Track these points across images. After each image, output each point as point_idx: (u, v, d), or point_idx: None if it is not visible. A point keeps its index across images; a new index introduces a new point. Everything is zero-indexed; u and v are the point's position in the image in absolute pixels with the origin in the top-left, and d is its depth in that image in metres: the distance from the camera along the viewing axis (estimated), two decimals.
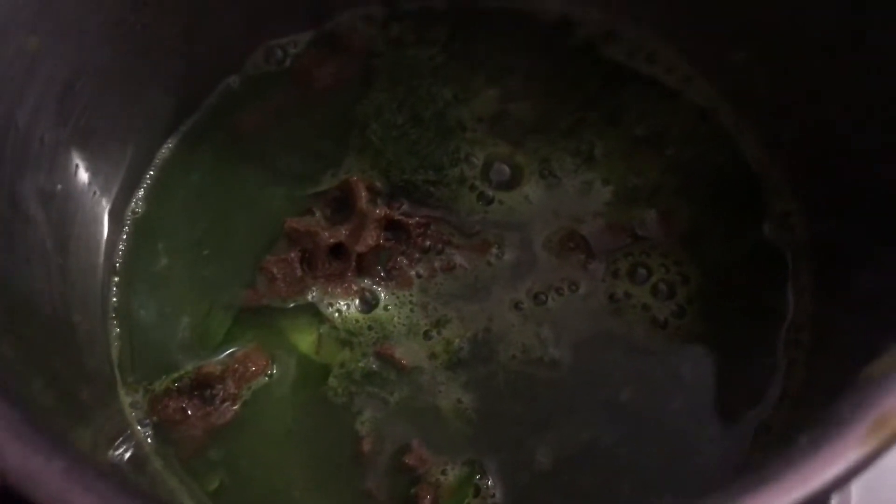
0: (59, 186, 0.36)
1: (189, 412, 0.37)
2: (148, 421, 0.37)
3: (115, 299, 0.40)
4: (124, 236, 0.41)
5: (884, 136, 0.35)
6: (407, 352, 0.38)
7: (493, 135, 0.43)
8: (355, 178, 0.41)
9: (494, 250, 0.40)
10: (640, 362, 0.38)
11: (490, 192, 0.42)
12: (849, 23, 0.36)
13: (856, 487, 0.40)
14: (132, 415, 0.37)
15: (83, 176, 0.38)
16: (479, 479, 0.35)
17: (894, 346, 0.22)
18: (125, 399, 0.38)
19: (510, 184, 0.42)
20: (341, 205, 0.41)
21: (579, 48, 0.46)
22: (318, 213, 0.41)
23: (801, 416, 0.35)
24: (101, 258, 0.39)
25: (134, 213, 0.42)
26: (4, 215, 0.33)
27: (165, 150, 0.44)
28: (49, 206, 0.36)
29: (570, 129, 0.44)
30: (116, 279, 0.40)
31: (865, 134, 0.36)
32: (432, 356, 0.38)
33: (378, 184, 0.41)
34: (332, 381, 0.38)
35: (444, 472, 0.36)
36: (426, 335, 0.38)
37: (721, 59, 0.43)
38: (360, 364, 0.38)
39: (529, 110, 0.44)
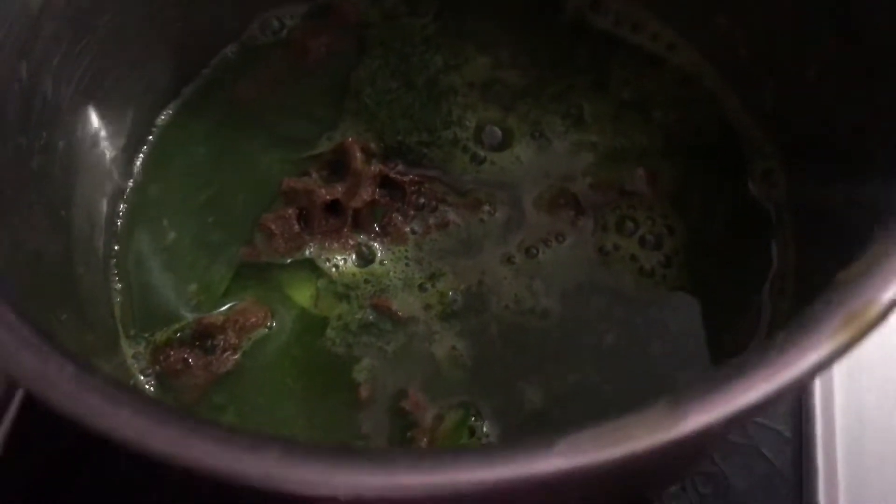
0: (62, 143, 0.37)
1: (191, 361, 0.38)
2: (150, 371, 0.38)
3: (116, 254, 0.40)
4: (126, 194, 0.42)
5: (853, 89, 0.36)
6: (402, 304, 0.39)
7: (485, 100, 0.45)
8: (350, 140, 0.42)
9: (486, 208, 0.41)
10: (627, 309, 0.39)
11: (482, 153, 0.43)
12: None
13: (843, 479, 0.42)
14: (134, 366, 0.38)
15: (86, 135, 0.39)
16: (474, 420, 0.37)
17: (863, 253, 0.23)
18: (127, 350, 0.38)
19: (502, 145, 0.43)
20: (337, 167, 0.42)
21: (567, 20, 0.47)
22: (314, 175, 0.42)
23: None
24: (104, 214, 0.40)
25: (135, 173, 0.43)
26: (10, 167, 0.33)
27: (165, 116, 0.45)
28: (52, 162, 0.37)
29: (560, 94, 0.45)
30: (117, 235, 0.41)
31: (840, 90, 0.38)
32: (427, 307, 0.39)
33: (373, 145, 0.43)
34: (329, 332, 0.39)
35: (439, 416, 0.37)
36: (421, 288, 0.40)
37: (703, 24, 0.44)
38: (357, 316, 0.39)
39: (519, 77, 0.46)
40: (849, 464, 0.42)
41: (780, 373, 0.20)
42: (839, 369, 0.45)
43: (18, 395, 0.44)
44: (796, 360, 0.21)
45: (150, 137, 0.44)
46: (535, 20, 0.47)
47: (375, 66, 0.45)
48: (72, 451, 0.43)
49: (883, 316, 0.21)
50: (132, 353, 0.39)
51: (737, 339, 0.39)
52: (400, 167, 0.42)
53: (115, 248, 0.41)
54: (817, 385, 0.44)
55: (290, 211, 0.40)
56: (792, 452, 0.42)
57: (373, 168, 0.40)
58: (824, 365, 0.21)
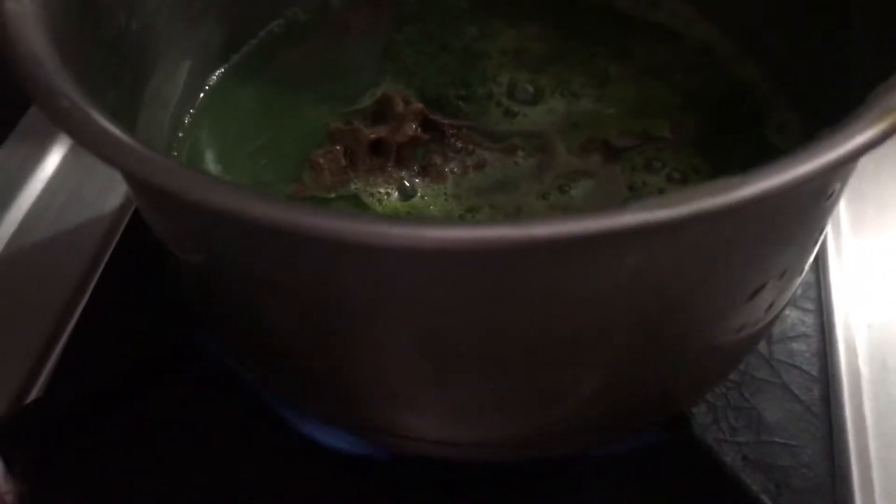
0: (129, 77, 0.40)
1: None
2: None
3: None
4: (178, 138, 0.44)
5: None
6: None
7: (517, 63, 0.48)
8: (393, 92, 0.45)
9: (521, 153, 0.44)
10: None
11: (515, 108, 0.46)
12: None
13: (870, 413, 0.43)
14: None
15: (150, 73, 0.42)
16: None
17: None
18: None
19: (534, 100, 0.46)
20: (379, 117, 0.45)
21: (588, 1, 0.51)
22: (359, 121, 0.45)
23: None
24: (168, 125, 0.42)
25: (187, 124, 0.45)
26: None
27: (216, 77, 0.48)
28: (121, 91, 0.39)
29: (585, 60, 0.48)
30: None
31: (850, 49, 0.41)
32: None
33: (413, 99, 0.45)
34: None
35: None
36: (461, 219, 0.41)
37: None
38: None
39: (547, 47, 0.49)
40: (876, 398, 0.43)
41: (833, 149, 0.22)
42: (860, 320, 0.46)
43: (64, 336, 0.46)
44: (844, 140, 0.23)
45: (203, 96, 0.47)
46: (556, 4, 0.51)
47: (413, 32, 0.48)
48: (111, 391, 0.43)
49: None
50: None
51: None
52: (439, 117, 0.45)
53: None
54: (839, 327, 0.45)
55: (338, 147, 0.43)
56: (819, 390, 0.43)
57: (415, 106, 0.43)
58: (869, 146, 0.23)
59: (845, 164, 0.23)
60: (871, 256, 0.49)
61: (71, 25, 0.33)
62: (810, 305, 0.46)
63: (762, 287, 0.31)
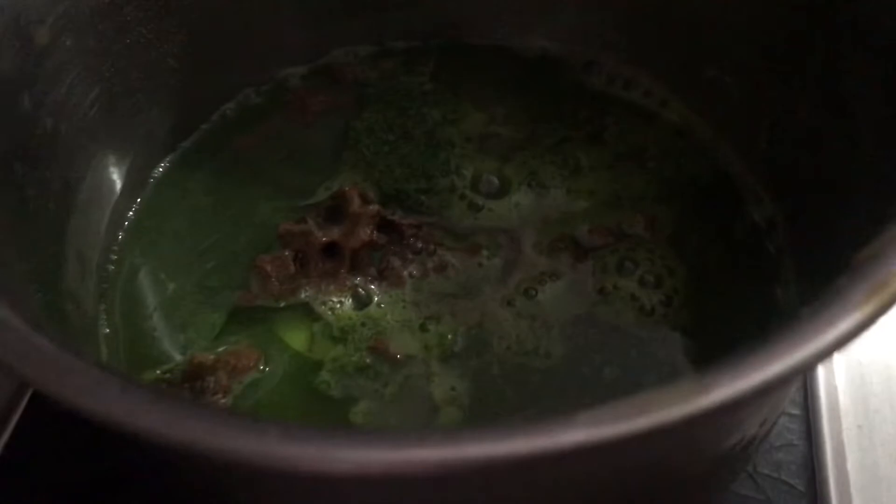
0: (59, 179, 0.37)
1: None
2: None
3: (106, 296, 0.39)
4: (120, 237, 0.41)
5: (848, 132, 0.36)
6: (400, 346, 0.38)
7: (482, 151, 0.45)
8: (349, 188, 0.42)
9: (485, 252, 0.41)
10: (627, 347, 0.38)
11: (480, 201, 0.43)
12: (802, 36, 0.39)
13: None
14: None
15: (83, 175, 0.39)
16: None
17: (878, 235, 0.23)
18: None
19: (499, 193, 0.43)
20: (335, 214, 0.42)
21: (560, 80, 0.48)
22: (311, 221, 0.42)
23: None
24: (96, 257, 0.39)
25: (130, 218, 0.42)
26: (3, 192, 0.33)
27: (163, 167, 0.45)
28: (47, 196, 0.36)
29: (555, 146, 0.45)
30: (110, 277, 0.40)
31: (834, 134, 0.39)
32: (426, 348, 0.38)
33: (371, 193, 0.42)
34: (324, 374, 0.37)
35: None
36: (421, 328, 0.39)
37: (693, 78, 0.45)
38: (354, 358, 0.38)
39: (515, 132, 0.46)
40: None
41: (808, 343, 0.20)
42: (850, 423, 0.43)
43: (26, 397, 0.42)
44: (824, 329, 0.20)
45: (148, 187, 0.44)
46: (528, 81, 0.49)
47: (373, 119, 0.45)
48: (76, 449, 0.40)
49: None
50: None
51: None
52: (398, 214, 0.42)
53: (105, 286, 0.40)
54: (827, 440, 0.42)
55: (287, 253, 0.40)
56: None
57: (370, 208, 0.40)
58: (851, 336, 0.20)
59: (828, 355, 0.20)
60: (858, 355, 0.46)
61: None
62: (796, 410, 0.43)
63: (741, 440, 0.28)
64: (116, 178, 0.42)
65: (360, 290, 0.40)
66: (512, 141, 0.46)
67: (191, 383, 0.37)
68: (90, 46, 0.38)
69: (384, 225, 0.41)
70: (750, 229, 0.42)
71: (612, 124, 0.46)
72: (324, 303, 0.40)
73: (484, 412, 0.37)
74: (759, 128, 0.43)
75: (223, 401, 0.37)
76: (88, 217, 0.40)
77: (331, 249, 0.40)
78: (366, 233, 0.39)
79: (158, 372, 0.37)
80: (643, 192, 0.43)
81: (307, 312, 0.39)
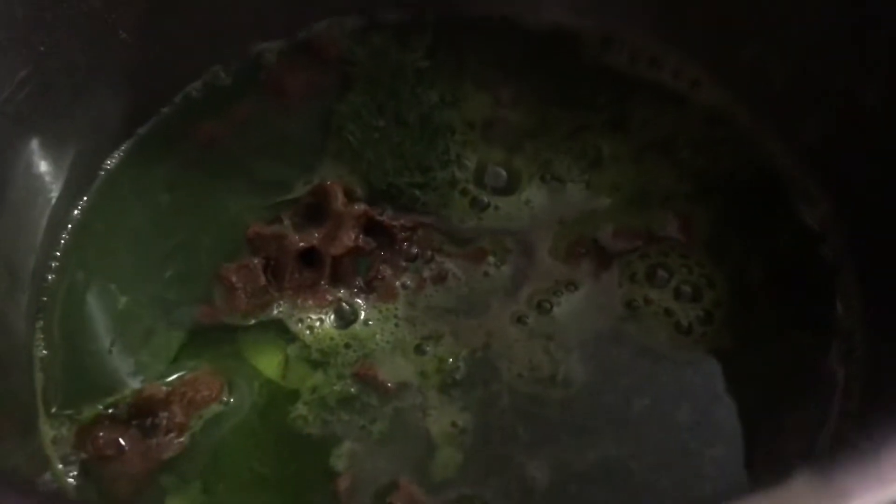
0: None
1: (125, 445, 0.30)
2: (74, 458, 0.30)
3: (42, 314, 0.33)
4: (61, 243, 0.35)
5: None
6: (392, 372, 0.32)
7: (486, 139, 0.39)
8: (330, 182, 0.36)
9: (492, 259, 0.35)
10: (658, 372, 0.32)
11: (485, 198, 0.37)
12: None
13: None
14: (54, 452, 0.30)
15: (16, 169, 0.33)
16: None
17: None
18: (47, 432, 0.31)
19: (507, 188, 0.37)
20: (314, 212, 0.36)
21: (575, 57, 0.42)
22: (286, 222, 0.35)
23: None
24: (31, 266, 0.33)
25: (74, 222, 0.36)
26: None
27: (114, 158, 0.38)
28: None
29: (571, 134, 0.39)
30: (46, 295, 0.34)
31: None
32: (422, 376, 0.32)
33: (357, 189, 0.36)
34: (301, 408, 0.32)
35: None
36: (415, 351, 0.33)
37: (731, 57, 0.39)
38: (336, 388, 0.32)
39: (525, 116, 0.40)
40: None
41: None
42: None
43: None
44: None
45: (96, 183, 0.38)
46: (538, 59, 0.42)
47: (360, 101, 0.39)
48: None
49: None
50: (52, 436, 0.31)
51: (798, 413, 0.32)
52: (388, 213, 0.36)
53: (42, 305, 0.34)
54: None
55: (256, 261, 0.34)
56: None
57: (356, 207, 0.34)
58: None
59: None
60: None
61: None
62: None
63: None
64: (56, 172, 0.35)
65: (344, 304, 0.34)
66: (521, 127, 0.39)
67: (140, 420, 0.31)
68: (18, 15, 0.31)
69: (372, 227, 0.34)
70: (801, 233, 0.36)
71: (637, 109, 0.40)
72: (300, 320, 0.33)
73: (490, 454, 0.31)
74: (809, 115, 0.36)
75: (179, 440, 0.31)
76: (20, 218, 0.33)
77: (309, 256, 0.34)
78: (350, 236, 0.33)
79: (101, 407, 0.31)
80: (674, 188, 0.37)
81: (280, 332, 0.33)
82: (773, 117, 0.38)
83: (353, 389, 0.32)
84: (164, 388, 0.31)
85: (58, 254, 0.35)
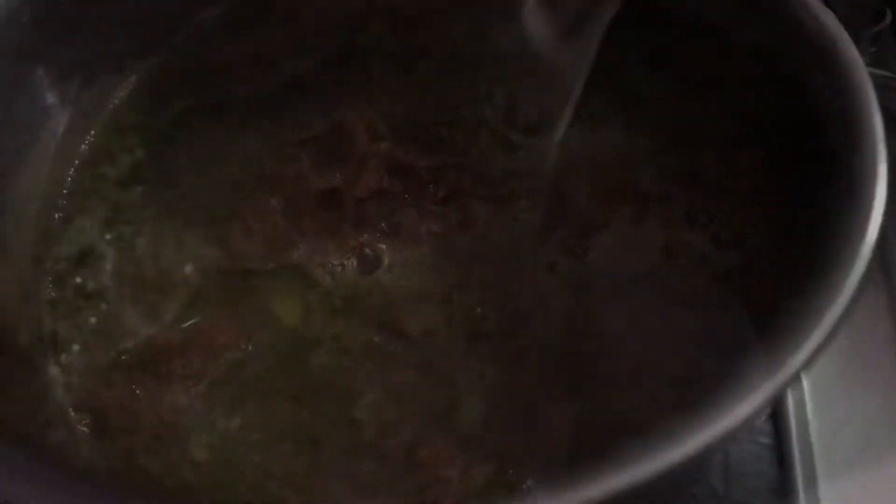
0: None
1: (139, 394, 0.28)
2: (86, 406, 0.29)
3: (48, 259, 0.32)
4: (68, 181, 0.33)
5: None
6: (417, 321, 0.31)
7: (518, 73, 0.36)
8: (352, 119, 0.34)
9: (524, 203, 0.33)
10: (689, 320, 0.30)
11: (515, 138, 0.35)
12: None
13: None
14: (66, 400, 0.29)
15: (20, 107, 0.31)
16: (511, 473, 0.28)
17: None
18: (58, 380, 0.29)
19: (540, 128, 0.35)
20: (335, 151, 0.34)
21: None
22: (306, 161, 0.33)
23: None
24: (37, 208, 0.31)
25: (82, 159, 0.34)
26: None
27: (125, 89, 0.36)
28: None
29: (608, 70, 0.37)
30: (52, 235, 0.32)
31: None
32: (449, 325, 0.30)
33: (380, 125, 0.34)
34: (322, 356, 0.30)
35: (466, 469, 0.28)
36: (442, 300, 0.31)
37: None
38: (359, 337, 0.30)
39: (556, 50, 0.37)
40: None
41: None
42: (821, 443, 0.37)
43: None
44: None
45: (103, 117, 0.36)
46: None
47: (384, 30, 0.37)
48: None
49: None
50: (63, 383, 0.29)
51: None
52: (414, 152, 0.34)
53: (52, 246, 0.32)
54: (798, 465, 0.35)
55: (274, 202, 0.32)
56: None
57: (381, 146, 0.32)
58: None
59: None
60: (828, 379, 0.39)
61: None
62: (767, 439, 0.36)
63: None
64: (62, 104, 0.33)
65: (367, 249, 0.32)
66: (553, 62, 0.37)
67: (154, 368, 0.29)
68: None
69: (397, 168, 0.32)
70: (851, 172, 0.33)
71: (677, 46, 0.37)
72: (321, 265, 0.32)
73: (516, 408, 0.29)
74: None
75: (197, 388, 0.29)
76: (25, 154, 0.32)
77: (330, 198, 0.32)
78: (374, 178, 0.32)
79: (113, 354, 0.30)
80: (719, 129, 0.35)
81: (300, 277, 0.32)
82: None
83: (376, 339, 0.30)
84: (179, 334, 0.29)
85: (65, 191, 0.34)
